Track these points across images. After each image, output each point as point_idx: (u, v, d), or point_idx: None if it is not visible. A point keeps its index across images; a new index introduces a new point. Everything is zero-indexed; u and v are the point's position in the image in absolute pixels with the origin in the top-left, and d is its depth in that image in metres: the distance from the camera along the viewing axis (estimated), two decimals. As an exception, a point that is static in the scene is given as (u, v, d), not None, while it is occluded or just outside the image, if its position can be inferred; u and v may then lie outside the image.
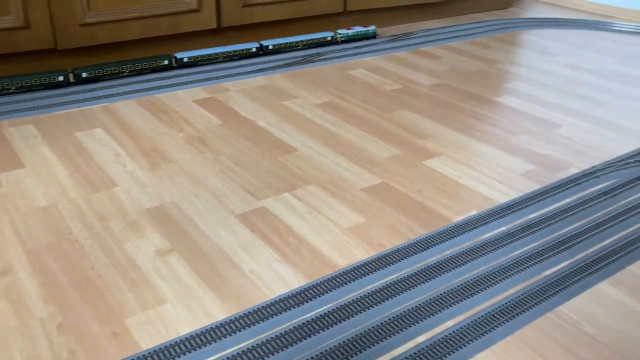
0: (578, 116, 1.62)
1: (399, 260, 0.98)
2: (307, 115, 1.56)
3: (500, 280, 0.94)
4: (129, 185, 1.19)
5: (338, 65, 1.98)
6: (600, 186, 1.24)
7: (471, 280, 0.94)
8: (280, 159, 1.32)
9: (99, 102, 1.61)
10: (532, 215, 1.13)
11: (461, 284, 0.93)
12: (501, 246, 1.03)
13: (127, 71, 1.78)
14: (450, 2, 2.67)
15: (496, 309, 0.88)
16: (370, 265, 0.97)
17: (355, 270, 0.96)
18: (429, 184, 1.24)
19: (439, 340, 0.81)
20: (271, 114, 1.56)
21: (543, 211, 1.14)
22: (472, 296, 0.90)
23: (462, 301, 0.89)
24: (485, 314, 0.86)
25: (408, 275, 0.95)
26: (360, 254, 1.00)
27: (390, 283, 0.93)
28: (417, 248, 1.02)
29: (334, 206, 1.14)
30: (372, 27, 2.31)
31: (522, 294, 0.91)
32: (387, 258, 0.99)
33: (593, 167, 1.32)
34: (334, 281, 0.93)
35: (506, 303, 0.89)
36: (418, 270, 0.96)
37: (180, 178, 1.23)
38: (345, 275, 0.94)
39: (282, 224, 1.08)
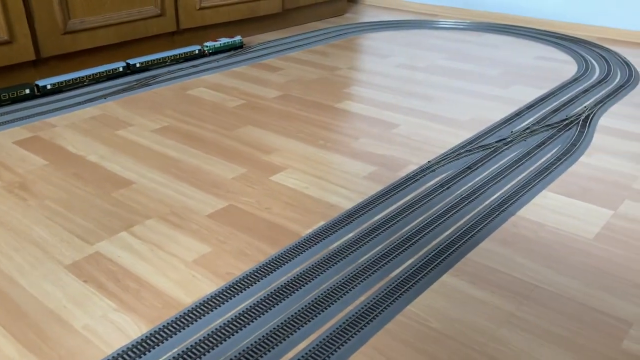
0: (413, 114, 1.69)
1: (248, 287, 0.94)
2: (144, 143, 1.47)
3: (350, 289, 0.93)
4: None
5: (176, 86, 1.90)
6: (437, 179, 1.29)
7: (322, 294, 0.92)
8: (115, 195, 1.22)
9: None
10: (376, 217, 1.14)
11: (313, 300, 0.91)
12: (349, 253, 1.03)
13: None
14: (286, 12, 2.69)
15: (348, 320, 0.87)
16: (218, 297, 0.92)
17: (203, 306, 0.90)
18: (276, 200, 1.21)
19: (292, 365, 0.78)
20: (104, 147, 1.45)
21: (386, 212, 1.16)
22: (324, 311, 0.88)
23: (314, 318, 0.87)
24: (338, 328, 0.85)
25: (258, 301, 0.91)
26: (208, 287, 0.95)
27: (240, 313, 0.88)
28: (267, 270, 0.99)
29: (178, 239, 1.08)
30: (237, 37, 2.31)
31: (372, 300, 0.91)
32: (236, 286, 0.94)
33: (429, 161, 1.38)
34: (179, 322, 0.86)
35: (357, 312, 0.88)
36: (269, 294, 0.92)
37: (-2, 233, 1.09)
38: (191, 313, 0.88)
39: (119, 268, 0.99)
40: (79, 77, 1.83)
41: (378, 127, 1.59)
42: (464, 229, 1.10)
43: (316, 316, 0.87)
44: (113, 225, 1.11)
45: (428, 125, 1.61)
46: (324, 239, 1.07)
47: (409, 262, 1.01)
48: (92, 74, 1.87)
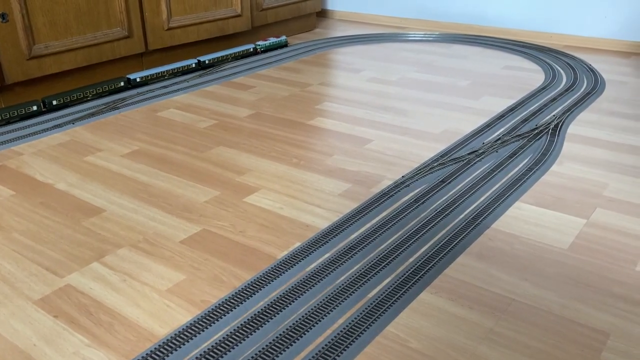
0: (385, 128, 1.70)
1: (224, 315, 0.92)
2: (114, 169, 1.44)
3: (328, 312, 0.92)
4: None
5: (146, 108, 1.87)
6: (411, 194, 1.29)
7: (300, 319, 0.91)
8: (85, 224, 1.19)
9: None
10: (352, 236, 1.14)
11: (290, 326, 0.89)
12: (326, 275, 1.02)
13: None
14: (255, 30, 2.69)
15: (326, 345, 0.85)
16: (193, 327, 0.90)
17: (178, 337, 0.88)
18: (251, 222, 1.20)
19: (271, 395, 0.77)
20: (73, 174, 1.42)
21: (362, 230, 1.16)
22: (302, 336, 0.87)
23: (292, 344, 0.85)
24: (317, 353, 0.84)
25: (235, 329, 0.89)
26: (183, 316, 0.93)
27: (216, 343, 0.86)
28: (243, 296, 0.97)
29: (151, 267, 1.05)
30: (283, 37, 2.63)
31: (350, 323, 0.90)
32: (212, 315, 0.92)
33: (403, 176, 1.38)
34: (154, 355, 0.84)
35: (336, 336, 0.87)
36: (245, 321, 0.91)
37: (-37, 269, 1.05)
38: (166, 345, 0.86)
39: (90, 301, 0.96)
40: (166, 70, 2.16)
41: (351, 143, 1.59)
42: (440, 245, 1.10)
43: (294, 342, 0.86)
44: (84, 256, 1.09)
45: (401, 139, 1.61)
46: (300, 261, 1.06)
47: (387, 281, 1.00)
48: (169, 70, 2.17)
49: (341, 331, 0.88)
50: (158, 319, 0.92)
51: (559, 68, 2.28)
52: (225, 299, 0.96)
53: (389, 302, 0.95)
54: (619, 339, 0.87)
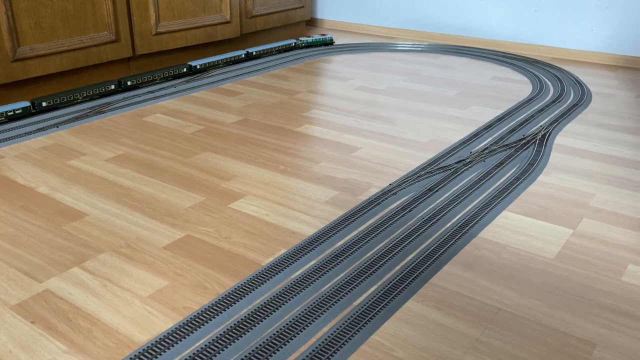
0: (373, 137, 1.69)
1: (207, 322, 0.91)
2: (98, 173, 1.42)
3: (313, 320, 0.91)
4: None
5: (132, 113, 1.85)
6: (399, 202, 1.29)
7: (284, 326, 0.89)
8: (66, 228, 1.17)
9: None
10: (338, 244, 1.12)
11: (274, 334, 0.88)
12: (311, 282, 1.00)
13: None
14: (244, 37, 2.68)
15: (311, 353, 0.84)
16: (175, 334, 0.88)
17: (159, 344, 0.86)
18: (236, 229, 1.18)
19: (253, 405, 0.75)
20: (55, 177, 1.39)
21: (348, 237, 1.15)
22: (286, 344, 0.85)
23: (276, 353, 0.84)
24: (301, 362, 0.82)
25: (217, 337, 0.87)
26: (164, 323, 0.91)
27: (197, 350, 0.84)
28: (227, 303, 0.95)
29: (132, 273, 1.03)
30: (329, 36, 2.68)
31: (335, 331, 0.88)
32: (194, 322, 0.91)
33: (390, 184, 1.37)
34: (133, 363, 0.82)
35: (320, 344, 0.85)
36: (228, 329, 0.89)
37: (-62, 273, 1.02)
38: (146, 352, 0.84)
39: (69, 306, 0.94)
40: (220, 60, 2.37)
41: (339, 151, 1.58)
42: (426, 253, 1.09)
43: (278, 350, 0.84)
44: (64, 261, 1.06)
45: (388, 147, 1.61)
46: (285, 268, 1.05)
47: (373, 289, 0.99)
48: (223, 59, 2.37)
49: (326, 339, 0.86)
50: (138, 326, 0.90)
51: (546, 80, 2.29)
52: (208, 306, 0.94)
53: (375, 310, 0.93)
54: (605, 349, 0.86)
